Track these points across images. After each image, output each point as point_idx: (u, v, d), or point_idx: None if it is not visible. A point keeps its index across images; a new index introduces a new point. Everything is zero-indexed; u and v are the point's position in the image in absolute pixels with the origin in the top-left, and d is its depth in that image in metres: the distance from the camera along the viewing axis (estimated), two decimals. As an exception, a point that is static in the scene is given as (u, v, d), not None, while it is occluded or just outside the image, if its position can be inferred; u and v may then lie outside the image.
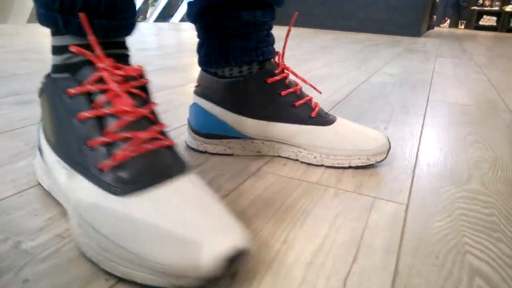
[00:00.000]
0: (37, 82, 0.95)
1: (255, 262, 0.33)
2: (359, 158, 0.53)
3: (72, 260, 0.32)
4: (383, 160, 0.54)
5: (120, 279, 0.30)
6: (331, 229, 0.39)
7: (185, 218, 0.29)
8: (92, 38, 0.34)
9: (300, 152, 0.55)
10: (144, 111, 0.34)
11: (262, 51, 0.52)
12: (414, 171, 0.54)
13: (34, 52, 1.41)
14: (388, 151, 0.53)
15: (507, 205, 0.46)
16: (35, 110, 0.72)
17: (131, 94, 0.35)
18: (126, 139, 0.33)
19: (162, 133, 0.36)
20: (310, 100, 0.55)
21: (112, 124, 0.33)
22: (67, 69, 0.36)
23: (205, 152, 0.57)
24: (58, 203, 0.40)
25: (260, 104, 0.54)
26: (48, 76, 0.39)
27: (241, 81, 0.53)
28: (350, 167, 0.54)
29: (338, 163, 0.53)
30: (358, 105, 0.90)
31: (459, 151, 0.63)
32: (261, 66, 0.53)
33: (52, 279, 0.30)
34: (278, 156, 0.56)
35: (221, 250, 0.27)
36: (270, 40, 0.54)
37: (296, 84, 0.55)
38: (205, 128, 0.56)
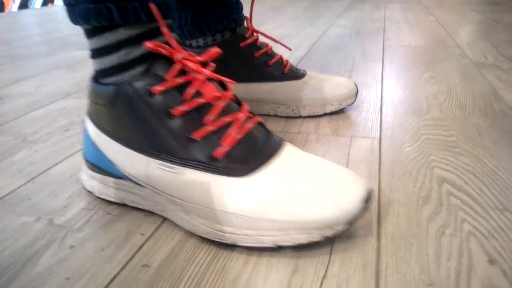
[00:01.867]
0: None
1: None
2: (332, 105, 0.59)
3: (105, 225, 0.36)
4: (353, 103, 0.60)
5: (155, 232, 0.35)
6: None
7: (315, 178, 0.32)
8: (165, 30, 0.32)
9: (278, 107, 0.60)
10: (229, 93, 0.35)
11: (234, 18, 0.56)
12: (381, 109, 0.61)
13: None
14: (356, 95, 0.60)
15: (463, 126, 0.54)
16: (10, 104, 0.72)
17: (209, 79, 0.34)
18: (228, 124, 0.33)
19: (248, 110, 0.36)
20: (281, 57, 0.60)
21: (209, 112, 0.33)
22: (126, 68, 0.34)
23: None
24: (70, 184, 0.44)
25: (236, 67, 0.57)
26: (97, 83, 0.36)
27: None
28: (325, 114, 0.60)
29: (314, 112, 0.59)
30: (320, 59, 0.95)
31: (418, 88, 0.70)
32: (233, 32, 0.57)
33: (94, 242, 0.34)
34: (258, 114, 0.61)
35: (360, 194, 0.31)
36: (239, 7, 0.57)
37: (266, 45, 0.59)
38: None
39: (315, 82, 0.59)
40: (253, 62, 0.58)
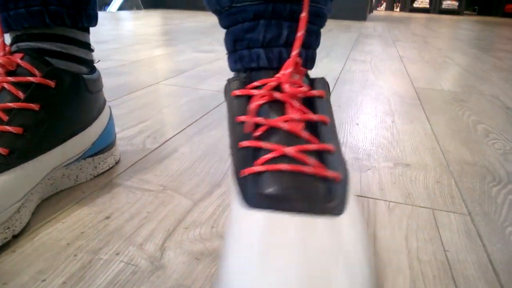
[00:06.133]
0: None
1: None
2: None
3: None
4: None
5: None
6: (411, 259, 0.33)
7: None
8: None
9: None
10: (298, 125, 0.28)
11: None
12: (450, 171, 0.50)
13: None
14: None
15: (561, 204, 0.43)
16: None
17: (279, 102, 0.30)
18: (268, 151, 0.28)
19: (319, 155, 0.28)
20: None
21: (263, 132, 0.29)
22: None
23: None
24: (66, 259, 0.31)
25: None
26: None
27: None
28: (379, 169, 0.49)
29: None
30: (352, 98, 0.85)
31: (479, 145, 0.60)
32: None
33: None
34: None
35: None
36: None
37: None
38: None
39: None
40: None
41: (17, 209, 0.33)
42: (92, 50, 0.44)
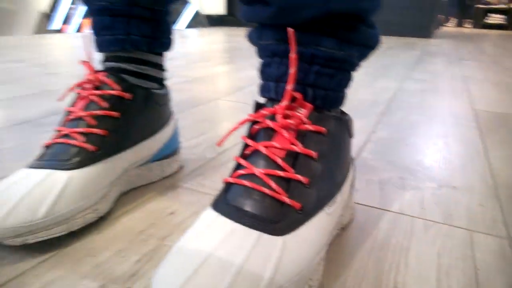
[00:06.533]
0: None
1: (376, 315, 0.30)
2: None
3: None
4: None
5: None
6: (439, 272, 0.36)
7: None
8: None
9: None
10: (279, 152, 0.33)
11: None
12: (497, 196, 0.51)
13: (57, 65, 1.38)
14: None
15: None
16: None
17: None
18: (243, 167, 0.33)
19: (284, 181, 0.32)
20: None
21: (250, 152, 0.34)
22: None
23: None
24: (140, 243, 0.37)
25: None
26: None
27: None
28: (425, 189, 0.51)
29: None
30: (404, 118, 0.86)
31: (532, 170, 0.60)
32: None
33: None
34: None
35: None
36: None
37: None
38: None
39: None
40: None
41: (103, 195, 0.41)
42: (164, 70, 0.52)
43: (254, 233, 0.29)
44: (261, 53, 0.38)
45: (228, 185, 0.33)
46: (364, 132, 0.75)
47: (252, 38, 0.38)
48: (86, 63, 0.44)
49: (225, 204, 0.32)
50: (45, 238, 0.35)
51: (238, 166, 0.34)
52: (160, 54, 0.51)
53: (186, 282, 0.25)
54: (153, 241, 0.38)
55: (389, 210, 0.46)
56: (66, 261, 0.34)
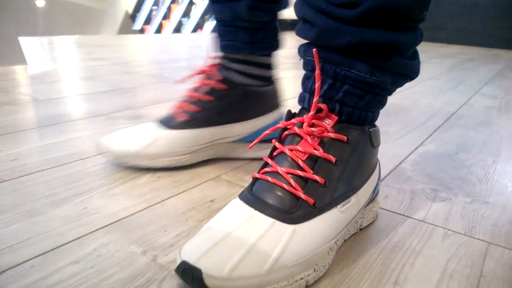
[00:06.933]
0: (143, 96, 1.05)
1: (369, 301, 0.34)
2: None
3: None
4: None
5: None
6: (443, 275, 0.38)
7: None
8: None
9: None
10: (302, 155, 0.39)
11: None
12: (531, 215, 0.51)
13: (135, 65, 1.55)
14: None
15: None
16: (149, 125, 0.80)
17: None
18: (269, 165, 0.40)
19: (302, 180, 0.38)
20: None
21: (277, 154, 0.41)
22: None
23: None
24: (181, 221, 0.45)
25: None
26: None
27: None
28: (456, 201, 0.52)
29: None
30: (458, 133, 0.85)
31: None
32: None
33: (187, 296, 0.33)
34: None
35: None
36: None
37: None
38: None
39: None
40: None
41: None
42: (270, 69, 0.62)
43: (269, 220, 0.35)
44: (305, 66, 0.43)
45: (255, 180, 0.40)
46: (411, 144, 0.77)
47: (300, 52, 0.44)
48: (208, 58, 0.60)
49: (250, 195, 0.38)
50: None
51: (265, 165, 0.40)
52: (267, 55, 0.61)
53: (206, 252, 0.32)
54: (192, 221, 0.45)
55: (411, 217, 0.49)
56: (119, 230, 0.43)
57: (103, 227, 0.43)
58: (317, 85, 0.39)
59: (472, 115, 1.01)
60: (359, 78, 0.39)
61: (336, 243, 0.39)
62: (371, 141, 0.42)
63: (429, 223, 0.48)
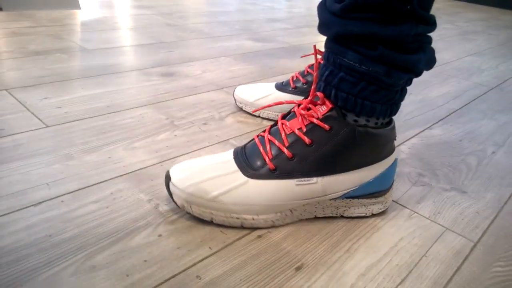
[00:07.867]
0: (179, 53, 1.12)
1: (318, 261, 0.42)
2: None
3: (189, 228, 0.45)
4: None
5: (221, 250, 0.42)
6: (392, 249, 0.45)
7: None
8: None
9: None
10: (290, 129, 0.47)
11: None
12: (502, 208, 0.55)
13: (178, 16, 1.61)
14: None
15: None
16: (175, 83, 0.88)
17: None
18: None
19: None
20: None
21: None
22: None
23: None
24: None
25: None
26: None
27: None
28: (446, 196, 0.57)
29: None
30: (474, 120, 0.87)
31: None
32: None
33: (176, 238, 0.43)
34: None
35: None
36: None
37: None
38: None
39: None
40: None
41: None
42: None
43: (235, 167, 0.46)
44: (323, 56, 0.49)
45: (251, 140, 0.50)
46: (419, 127, 0.80)
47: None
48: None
49: (240, 148, 0.49)
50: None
51: (264, 131, 0.49)
52: None
53: (181, 171, 0.46)
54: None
55: (386, 197, 0.55)
56: (133, 179, 0.53)
57: (121, 175, 0.53)
58: (315, 74, 0.46)
59: (497, 101, 1.01)
60: (351, 67, 0.43)
61: (289, 210, 0.46)
62: (355, 137, 0.45)
63: (400, 204, 0.54)
